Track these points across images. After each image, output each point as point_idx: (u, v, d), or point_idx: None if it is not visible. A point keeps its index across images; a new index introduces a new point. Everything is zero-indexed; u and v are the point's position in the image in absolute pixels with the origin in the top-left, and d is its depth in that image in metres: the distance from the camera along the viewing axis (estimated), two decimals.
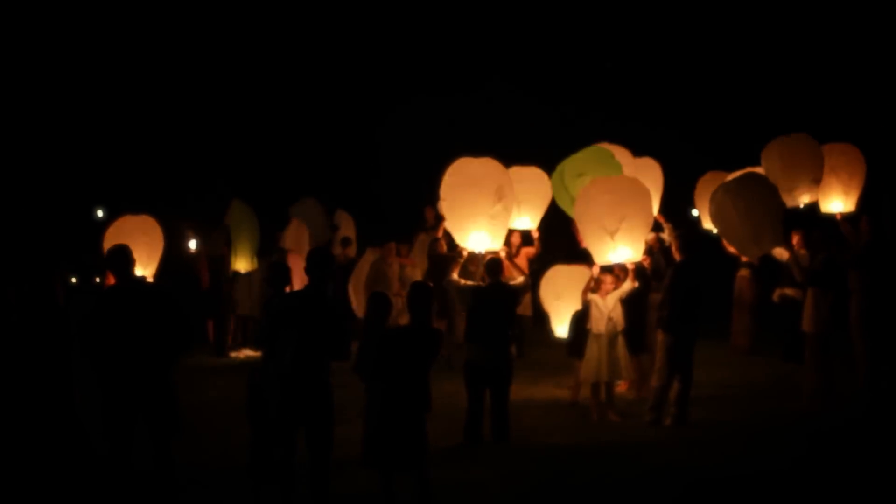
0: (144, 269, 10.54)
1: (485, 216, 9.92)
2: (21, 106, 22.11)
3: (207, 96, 23.40)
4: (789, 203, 11.53)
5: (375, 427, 7.53)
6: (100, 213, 23.96)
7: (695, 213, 14.88)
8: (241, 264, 13.47)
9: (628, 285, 10.54)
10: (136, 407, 7.29)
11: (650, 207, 10.31)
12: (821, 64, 21.10)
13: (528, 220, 11.80)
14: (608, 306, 10.62)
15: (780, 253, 11.19)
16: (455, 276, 10.02)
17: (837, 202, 12.12)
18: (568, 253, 12.05)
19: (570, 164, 11.19)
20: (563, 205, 11.33)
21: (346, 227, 17.12)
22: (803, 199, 11.75)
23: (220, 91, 23.45)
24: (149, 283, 10.05)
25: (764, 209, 10.49)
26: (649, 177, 12.21)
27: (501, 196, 9.92)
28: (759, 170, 11.84)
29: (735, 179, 10.97)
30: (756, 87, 21.97)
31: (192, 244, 15.79)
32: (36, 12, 21.98)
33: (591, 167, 10.97)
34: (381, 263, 14.36)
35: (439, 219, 13.30)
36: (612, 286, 10.70)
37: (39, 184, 22.33)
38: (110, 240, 10.15)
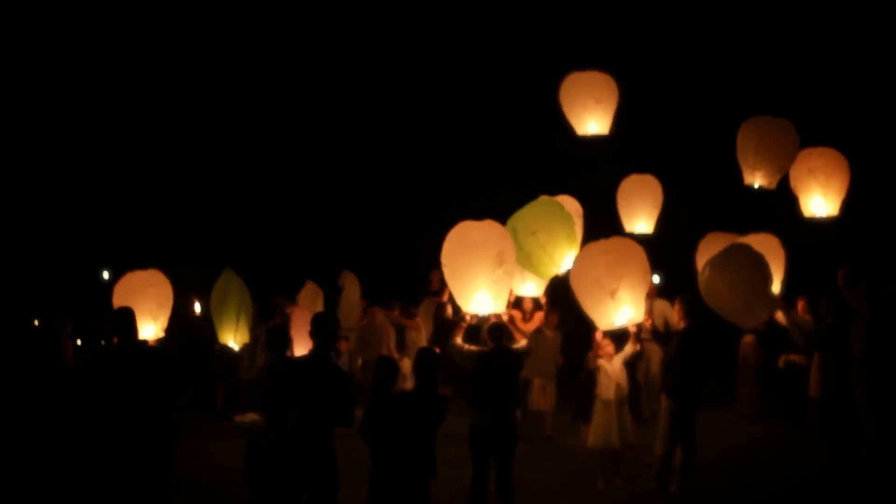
0: (155, 322, 10.50)
1: (487, 281, 9.93)
2: (27, 166, 22.26)
3: (208, 151, 23.56)
4: (746, 180, 11.60)
5: (379, 492, 7.49)
6: (105, 275, 24.01)
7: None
8: (228, 337, 13.47)
9: (630, 348, 10.54)
10: (136, 473, 7.26)
11: (647, 266, 10.36)
12: (807, 68, 20.98)
13: (533, 286, 11.81)
14: (616, 371, 10.62)
15: (780, 318, 11.19)
16: (459, 340, 10.01)
17: (819, 204, 12.06)
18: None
19: (521, 222, 11.09)
20: (525, 264, 11.30)
21: (352, 288, 17.10)
22: (759, 182, 11.74)
23: (220, 144, 23.57)
24: (150, 346, 10.06)
25: (753, 280, 10.48)
26: (648, 193, 12.31)
27: (503, 261, 9.95)
28: (743, 239, 11.83)
29: (720, 254, 11.00)
30: (740, 91, 21.73)
31: (197, 307, 15.79)
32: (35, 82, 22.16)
33: (544, 223, 10.96)
34: (369, 326, 14.42)
35: (444, 284, 13.31)
36: (613, 350, 10.70)
37: (45, 245, 22.41)
38: (119, 295, 10.16)
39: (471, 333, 10.82)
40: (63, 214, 23.00)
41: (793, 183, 11.94)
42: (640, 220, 13.03)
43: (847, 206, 11.97)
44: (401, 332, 15.47)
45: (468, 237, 10.09)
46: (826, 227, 11.86)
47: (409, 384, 10.66)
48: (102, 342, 10.34)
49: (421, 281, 16.29)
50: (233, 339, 13.19)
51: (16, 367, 8.29)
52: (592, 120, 12.19)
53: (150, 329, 10.16)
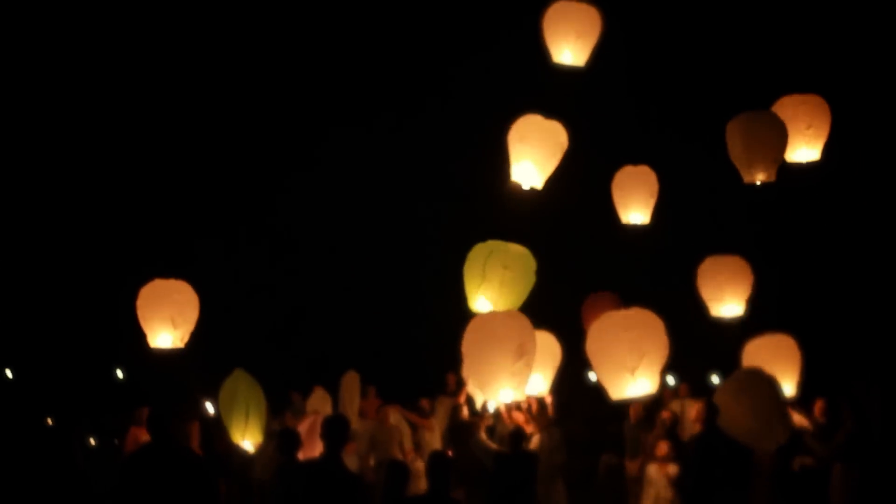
0: (175, 331, 10.32)
1: (506, 373, 9.96)
2: (38, 257, 22.35)
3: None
4: (746, 179, 11.57)
5: None
6: (119, 374, 24.01)
7: (714, 379, 14.83)
8: (239, 437, 13.37)
9: (674, 469, 10.48)
10: None
11: (667, 339, 10.36)
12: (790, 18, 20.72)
13: (540, 380, 11.77)
14: (662, 484, 10.54)
15: (798, 420, 11.09)
16: (483, 435, 10.01)
17: (802, 150, 12.01)
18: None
19: (499, 250, 11.12)
20: (470, 282, 11.24)
21: (353, 388, 16.99)
22: (759, 177, 11.69)
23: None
24: (182, 448, 9.96)
25: (767, 403, 10.43)
26: (643, 183, 12.29)
27: (523, 353, 9.98)
28: (757, 342, 11.78)
29: (731, 380, 10.95)
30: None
31: (209, 407, 15.73)
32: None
33: (518, 267, 11.00)
34: (381, 426, 14.32)
35: (461, 384, 13.24)
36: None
37: (59, 343, 22.43)
38: (143, 300, 10.04)
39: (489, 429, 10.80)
40: (77, 314, 23.05)
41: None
42: (636, 210, 12.99)
43: (829, 151, 11.98)
44: (414, 431, 15.37)
45: (489, 328, 10.14)
46: (808, 171, 11.87)
47: (422, 485, 10.58)
48: (117, 441, 10.29)
49: (429, 377, 16.25)
50: (244, 438, 13.11)
51: (28, 470, 8.27)
52: (570, 50, 12.09)
53: (168, 338, 9.98)
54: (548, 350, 11.87)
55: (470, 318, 10.37)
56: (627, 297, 12.26)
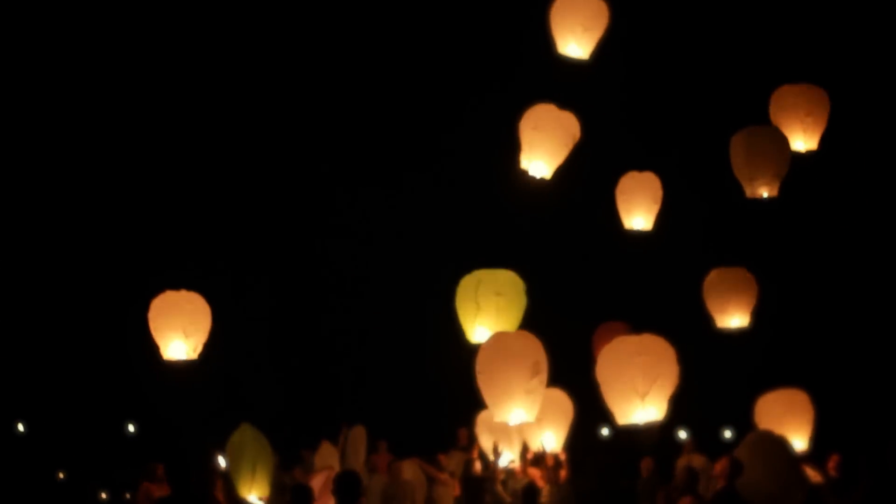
0: (187, 340, 10.26)
1: (521, 391, 10.04)
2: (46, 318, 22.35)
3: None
4: (748, 193, 11.57)
5: None
6: (131, 428, 23.98)
7: (727, 434, 14.76)
8: (246, 491, 13.29)
9: None
10: None
11: (677, 368, 10.37)
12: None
13: (552, 437, 11.75)
14: None
15: (812, 475, 11.01)
16: (500, 487, 10.03)
17: (798, 141, 11.99)
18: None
19: (488, 279, 11.14)
20: (465, 314, 11.25)
21: (360, 442, 16.90)
22: (762, 191, 11.70)
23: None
24: (208, 499, 9.93)
25: (782, 466, 10.37)
26: (647, 189, 12.28)
27: (537, 371, 10.06)
28: (769, 397, 11.70)
29: (744, 445, 10.88)
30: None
31: (221, 461, 15.66)
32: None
33: (512, 292, 11.03)
34: (393, 482, 14.25)
35: (473, 440, 13.20)
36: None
37: (70, 398, 22.40)
38: (155, 311, 10.05)
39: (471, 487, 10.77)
40: (86, 368, 23.05)
41: (772, 118, 12.02)
42: (639, 215, 13.00)
43: (826, 141, 11.96)
44: (430, 486, 15.29)
45: (504, 345, 10.23)
46: (805, 162, 11.87)
47: None
48: (128, 496, 10.29)
49: (442, 431, 16.19)
50: (251, 492, 13.04)
51: None
52: (576, 43, 12.09)
53: (182, 348, 9.98)
54: (559, 407, 11.88)
55: (473, 354, 10.44)
56: (632, 314, 12.26)
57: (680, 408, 10.08)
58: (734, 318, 11.98)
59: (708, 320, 12.10)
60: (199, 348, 10.45)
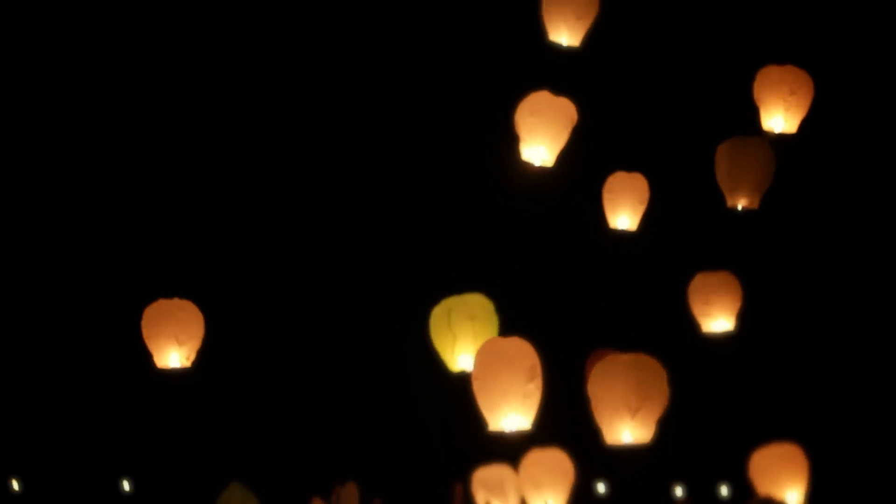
0: (181, 348, 10.25)
1: (518, 395, 10.08)
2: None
3: None
4: (729, 203, 11.60)
5: None
6: (126, 486, 23.80)
7: (724, 491, 14.70)
8: None
9: None
10: None
11: (667, 390, 10.43)
12: None
13: (551, 500, 11.73)
14: None
15: None
16: None
17: (779, 119, 12.00)
18: None
19: (461, 303, 11.16)
20: (442, 345, 11.24)
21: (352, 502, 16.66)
22: (742, 203, 11.73)
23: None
24: None
25: None
26: (635, 190, 12.34)
27: (534, 376, 10.09)
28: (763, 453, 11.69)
29: None
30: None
31: None
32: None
33: (479, 312, 11.07)
34: None
35: (469, 500, 13.16)
36: None
37: (64, 453, 22.27)
38: (148, 319, 10.12)
39: None
40: (84, 422, 22.94)
41: (755, 96, 12.09)
42: (624, 215, 13.03)
43: (807, 125, 11.95)
44: None
45: (499, 351, 10.27)
46: (783, 143, 11.89)
47: None
48: None
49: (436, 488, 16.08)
50: None
51: None
52: (567, 31, 12.10)
53: (175, 357, 10.00)
54: (559, 468, 11.86)
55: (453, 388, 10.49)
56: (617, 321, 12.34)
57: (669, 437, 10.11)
58: (719, 322, 12.07)
59: (693, 325, 12.19)
60: (193, 356, 10.52)
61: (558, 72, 12.18)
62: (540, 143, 12.06)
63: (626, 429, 10.16)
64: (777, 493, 11.22)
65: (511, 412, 10.26)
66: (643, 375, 10.45)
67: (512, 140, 11.43)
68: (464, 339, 11.02)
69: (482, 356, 10.73)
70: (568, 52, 12.07)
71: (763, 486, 11.26)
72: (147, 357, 9.66)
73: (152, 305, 10.82)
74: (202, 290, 11.71)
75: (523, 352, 10.79)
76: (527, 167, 11.81)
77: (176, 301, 11.12)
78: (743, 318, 12.01)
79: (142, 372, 10.49)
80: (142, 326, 10.20)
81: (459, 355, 10.97)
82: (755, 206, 12.23)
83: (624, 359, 10.63)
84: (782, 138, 12.20)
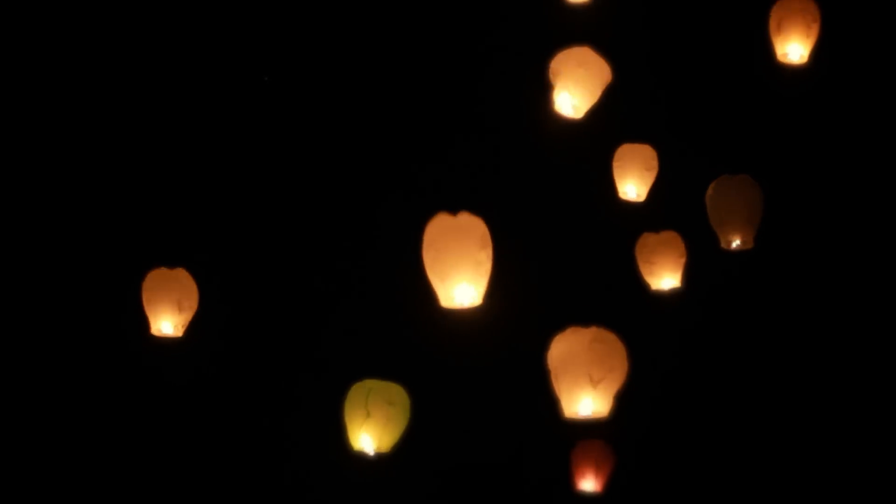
0: (178, 316, 10.41)
1: (470, 263, 10.20)
2: None
3: None
4: (723, 244, 11.74)
5: None
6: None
7: None
8: None
9: None
10: None
11: (626, 365, 10.66)
12: None
13: None
14: None
15: None
16: None
17: (797, 46, 12.05)
18: None
19: (377, 389, 11.24)
20: (353, 421, 11.27)
21: None
22: (735, 241, 11.89)
23: None
24: None
25: None
26: (645, 160, 12.51)
27: (484, 245, 10.22)
28: None
29: None
30: None
31: None
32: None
33: (398, 399, 11.16)
34: None
35: None
36: None
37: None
38: (148, 291, 10.28)
39: None
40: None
41: (772, 27, 12.12)
42: (632, 184, 13.06)
43: (819, 55, 11.95)
44: None
45: (450, 224, 10.44)
46: (796, 73, 11.97)
47: None
48: None
49: None
50: None
51: None
52: None
53: (169, 325, 10.13)
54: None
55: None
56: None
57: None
58: (665, 280, 12.23)
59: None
60: (185, 326, 10.63)
61: (584, 28, 12.32)
62: (574, 95, 12.04)
63: (587, 399, 10.31)
64: None
65: (463, 281, 10.29)
66: (606, 348, 10.61)
67: (543, 89, 11.51)
68: (374, 421, 11.04)
69: (433, 229, 10.73)
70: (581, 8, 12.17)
71: None
72: (138, 323, 9.71)
73: (157, 270, 10.90)
74: (198, 262, 11.87)
75: (473, 224, 10.87)
76: (557, 116, 11.80)
77: (173, 272, 11.19)
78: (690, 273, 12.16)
79: (132, 338, 10.63)
80: (143, 290, 10.31)
81: (363, 435, 11.04)
82: (750, 245, 12.24)
83: (586, 331, 10.76)
84: (798, 69, 12.16)
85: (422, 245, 10.53)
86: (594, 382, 10.19)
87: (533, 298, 12.66)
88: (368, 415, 10.93)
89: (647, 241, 12.75)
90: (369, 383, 11.29)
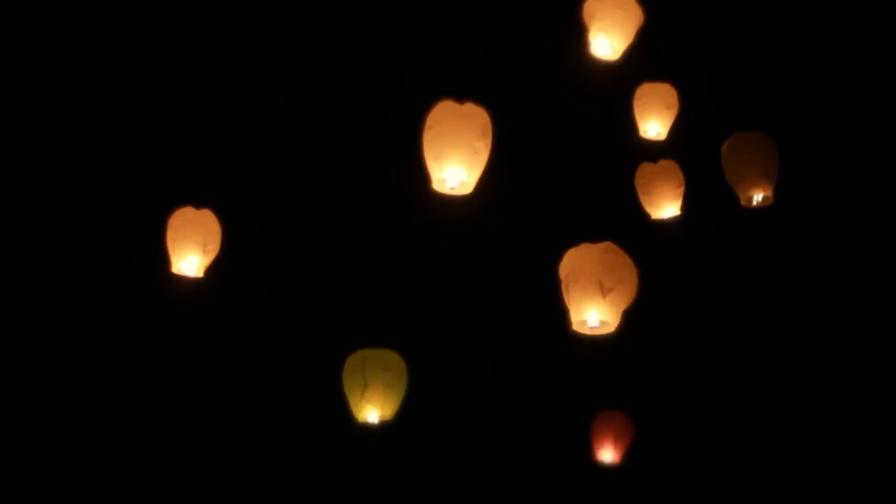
0: (202, 256, 10.38)
1: (467, 148, 10.24)
2: None
3: None
4: (742, 201, 11.66)
5: None
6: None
7: None
8: None
9: None
10: None
11: (636, 279, 10.63)
12: None
13: None
14: None
15: None
16: None
17: None
18: None
19: (373, 357, 11.27)
20: (353, 393, 11.26)
21: None
22: (756, 197, 11.79)
23: None
24: None
25: None
26: (664, 99, 12.47)
27: (485, 134, 10.27)
28: None
29: None
30: None
31: None
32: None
33: (394, 364, 11.17)
34: None
35: None
36: None
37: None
38: (173, 230, 10.21)
39: None
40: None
41: None
42: (654, 122, 13.04)
43: None
44: None
45: (454, 110, 10.48)
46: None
47: None
48: None
49: None
50: None
51: None
52: None
53: (194, 264, 10.11)
54: None
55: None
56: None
57: None
58: (665, 209, 12.18)
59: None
60: (206, 266, 10.57)
61: None
62: (611, 36, 11.89)
63: (596, 309, 10.20)
64: None
65: (458, 164, 10.30)
66: (618, 259, 10.53)
67: (576, 31, 11.32)
68: (374, 390, 10.98)
69: (437, 112, 10.75)
70: None
71: None
72: (159, 261, 9.59)
73: (182, 210, 10.72)
74: (221, 203, 11.71)
75: (477, 113, 10.90)
76: (592, 59, 11.62)
77: (205, 211, 11.00)
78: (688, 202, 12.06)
79: (153, 276, 10.53)
80: (167, 228, 10.17)
81: (366, 406, 11.00)
82: (770, 200, 12.03)
83: (598, 245, 10.69)
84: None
85: (425, 124, 10.31)
86: (604, 291, 10.04)
87: (533, 210, 12.57)
88: (367, 384, 10.85)
89: (645, 171, 12.62)
90: (363, 353, 11.21)
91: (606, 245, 10.71)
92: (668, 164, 12.41)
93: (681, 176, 12.32)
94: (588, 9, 11.90)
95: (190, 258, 9.79)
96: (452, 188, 10.48)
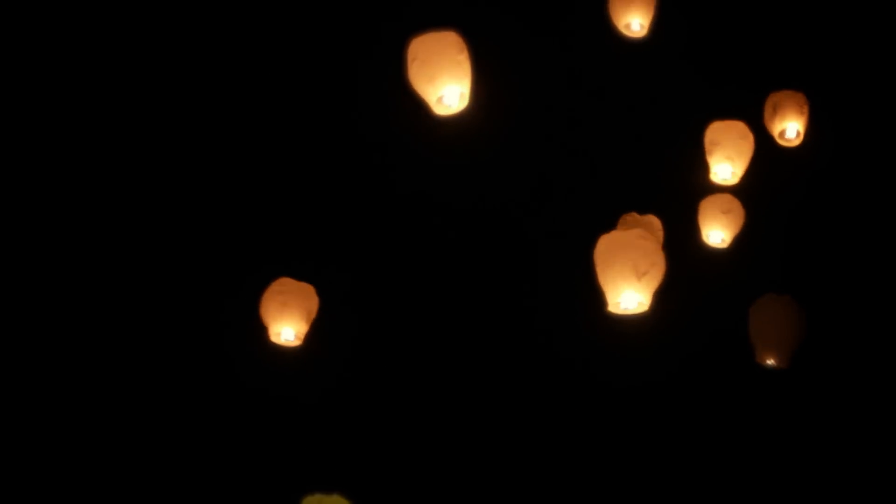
0: (297, 326, 10.61)
1: (451, 62, 10.41)
2: None
3: None
4: (758, 359, 11.71)
5: None
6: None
7: None
8: None
9: None
10: None
11: (664, 261, 10.73)
12: None
13: None
14: None
15: None
16: None
17: None
18: None
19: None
20: None
21: None
22: (769, 361, 11.83)
23: None
24: None
25: None
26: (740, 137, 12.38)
27: (461, 49, 10.49)
28: None
29: None
30: None
31: None
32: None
33: None
34: None
35: None
36: None
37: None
38: (268, 301, 10.54)
39: None
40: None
41: None
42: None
43: None
44: None
45: (427, 39, 10.75)
46: None
47: None
48: None
49: None
50: None
51: None
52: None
53: (290, 332, 10.27)
54: None
55: None
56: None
57: None
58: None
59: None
60: (303, 335, 10.71)
61: None
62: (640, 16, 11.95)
63: (632, 291, 10.32)
64: None
65: (450, 81, 10.43)
66: (651, 245, 10.64)
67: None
68: None
69: (413, 47, 10.97)
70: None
71: None
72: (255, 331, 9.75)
73: (281, 280, 10.83)
74: (319, 272, 11.88)
75: (448, 34, 11.09)
76: (621, 34, 11.58)
77: (300, 285, 11.16)
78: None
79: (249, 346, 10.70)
80: (263, 299, 10.31)
81: None
82: (785, 365, 12.03)
83: (631, 231, 10.84)
84: None
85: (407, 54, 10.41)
86: (639, 274, 10.23)
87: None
88: None
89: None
90: (315, 498, 11.29)
91: (639, 232, 10.90)
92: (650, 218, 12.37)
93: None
94: None
95: (286, 328, 10.08)
96: (451, 106, 10.53)
